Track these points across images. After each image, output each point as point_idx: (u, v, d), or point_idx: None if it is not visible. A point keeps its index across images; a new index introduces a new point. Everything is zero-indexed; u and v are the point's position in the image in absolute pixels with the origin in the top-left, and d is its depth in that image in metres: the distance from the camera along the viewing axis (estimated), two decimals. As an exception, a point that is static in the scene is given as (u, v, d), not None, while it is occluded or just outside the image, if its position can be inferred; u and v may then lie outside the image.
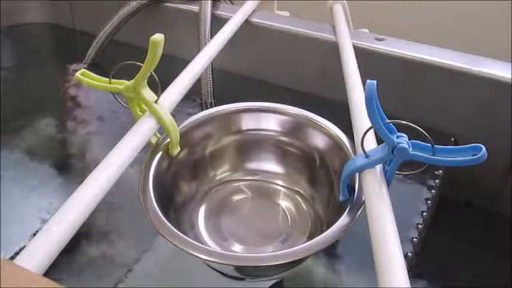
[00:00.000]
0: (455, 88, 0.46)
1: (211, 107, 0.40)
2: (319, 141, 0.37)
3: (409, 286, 0.21)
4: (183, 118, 0.37)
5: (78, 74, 0.32)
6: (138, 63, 0.31)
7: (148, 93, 0.32)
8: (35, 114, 0.51)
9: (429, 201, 0.39)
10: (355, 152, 0.33)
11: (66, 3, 0.68)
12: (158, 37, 0.29)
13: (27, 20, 0.70)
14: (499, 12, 0.87)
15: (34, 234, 0.23)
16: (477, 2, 0.88)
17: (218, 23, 0.52)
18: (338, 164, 0.34)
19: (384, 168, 0.28)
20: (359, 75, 0.39)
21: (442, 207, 0.42)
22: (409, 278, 0.22)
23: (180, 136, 0.35)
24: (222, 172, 0.39)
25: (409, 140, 0.27)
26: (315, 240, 0.28)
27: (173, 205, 0.34)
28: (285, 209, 0.36)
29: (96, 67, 0.59)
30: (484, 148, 0.25)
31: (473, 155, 0.25)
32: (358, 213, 0.29)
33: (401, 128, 0.27)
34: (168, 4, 0.59)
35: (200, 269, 0.32)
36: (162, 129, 0.33)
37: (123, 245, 0.36)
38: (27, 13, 0.70)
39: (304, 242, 0.28)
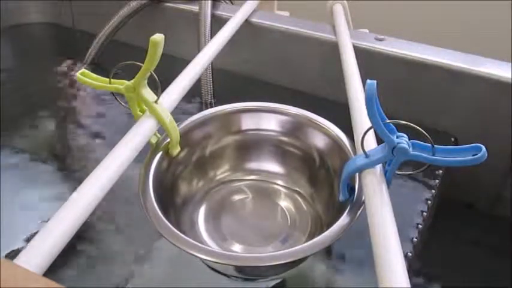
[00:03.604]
0: (455, 88, 0.46)
1: (211, 107, 0.40)
2: (319, 141, 0.37)
3: (409, 286, 0.21)
4: (183, 118, 0.37)
5: (78, 74, 0.32)
6: (138, 63, 0.31)
7: (148, 93, 0.32)
8: (35, 114, 0.51)
9: (429, 201, 0.39)
10: (355, 152, 0.33)
11: (66, 3, 0.68)
12: (158, 37, 0.29)
13: (27, 20, 0.70)
14: (499, 12, 0.87)
15: (34, 234, 0.23)
16: (477, 2, 0.88)
17: (218, 23, 0.52)
18: (338, 164, 0.34)
19: (384, 168, 0.28)
20: (359, 75, 0.39)
21: (442, 207, 0.42)
22: (409, 278, 0.22)
23: (180, 136, 0.35)
24: (222, 172, 0.39)
25: (409, 140, 0.27)
26: (314, 240, 0.28)
27: (173, 205, 0.34)
28: (285, 209, 0.36)
29: (96, 67, 0.59)
30: (484, 148, 0.25)
31: (473, 155, 0.25)
32: (358, 213, 0.29)
33: (401, 128, 0.27)
34: (168, 4, 0.59)
35: (200, 269, 0.32)
36: (162, 129, 0.33)
37: (123, 245, 0.36)
38: (27, 13, 0.70)
39: (304, 242, 0.28)
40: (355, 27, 0.55)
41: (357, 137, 0.32)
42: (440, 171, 0.42)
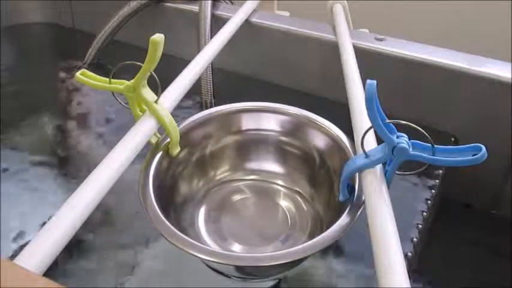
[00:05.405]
0: (455, 88, 0.46)
1: (211, 106, 0.40)
2: (319, 141, 0.37)
3: (409, 286, 0.21)
4: (183, 118, 0.37)
5: (78, 74, 0.32)
6: (138, 63, 0.31)
7: (148, 93, 0.32)
8: (35, 114, 0.51)
9: (429, 201, 0.39)
10: (355, 152, 0.33)
11: (66, 3, 0.68)
12: (158, 37, 0.29)
13: (27, 20, 0.70)
14: (499, 12, 0.87)
15: (34, 235, 0.23)
16: (477, 2, 0.88)
17: (218, 23, 0.52)
18: (338, 164, 0.34)
19: (384, 168, 0.28)
20: (359, 75, 0.39)
21: (442, 207, 0.42)
22: (409, 278, 0.22)
23: (180, 136, 0.35)
24: (222, 172, 0.39)
25: (409, 140, 0.27)
26: (314, 240, 0.28)
27: (173, 205, 0.34)
28: (285, 209, 0.36)
29: (96, 67, 0.59)
30: (484, 148, 0.25)
31: (473, 155, 0.25)
32: (358, 213, 0.29)
33: (401, 128, 0.27)
34: (168, 4, 0.59)
35: (200, 269, 0.32)
36: (162, 129, 0.33)
37: (123, 245, 0.36)
38: (27, 13, 0.70)
39: (304, 242, 0.28)
40: (355, 27, 0.55)
41: (357, 137, 0.32)
42: (440, 171, 0.42)
